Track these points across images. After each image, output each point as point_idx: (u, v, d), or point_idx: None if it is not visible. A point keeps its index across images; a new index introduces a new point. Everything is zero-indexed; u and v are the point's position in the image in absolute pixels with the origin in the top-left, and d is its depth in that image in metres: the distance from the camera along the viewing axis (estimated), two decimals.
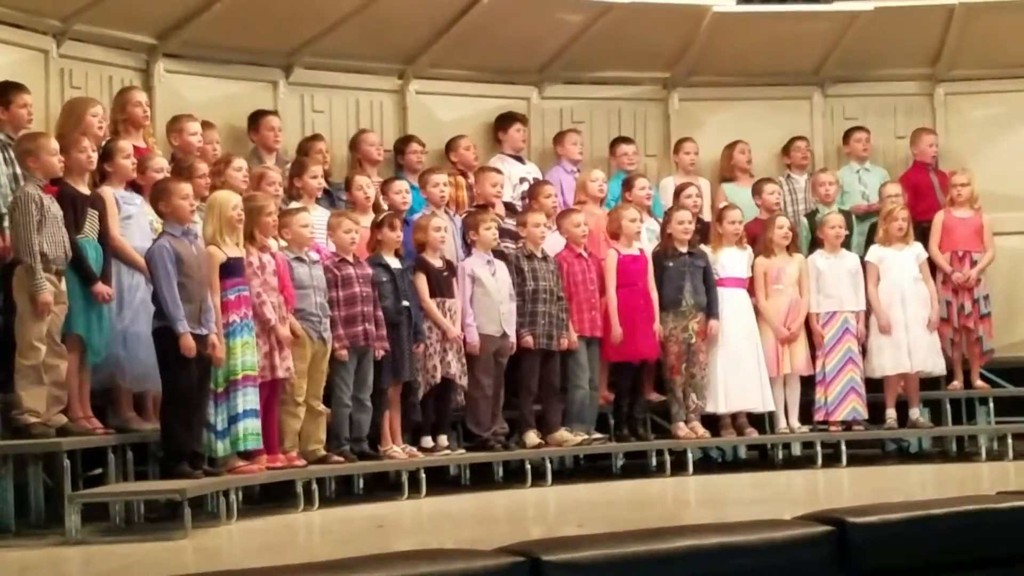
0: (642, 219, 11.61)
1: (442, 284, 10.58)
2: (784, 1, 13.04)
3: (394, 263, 10.32)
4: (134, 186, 9.50)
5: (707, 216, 12.28)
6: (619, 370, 11.51)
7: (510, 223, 11.39)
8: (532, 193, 11.71)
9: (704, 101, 13.24)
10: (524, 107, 12.75)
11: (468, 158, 12.03)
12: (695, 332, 11.50)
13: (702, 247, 11.74)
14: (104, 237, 9.01)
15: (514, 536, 6.50)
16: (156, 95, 10.87)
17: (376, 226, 10.37)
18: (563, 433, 11.01)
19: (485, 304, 10.75)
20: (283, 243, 9.68)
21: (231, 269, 9.01)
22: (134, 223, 9.31)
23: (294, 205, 10.25)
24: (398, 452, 10.19)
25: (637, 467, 11.46)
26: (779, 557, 6.23)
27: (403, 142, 11.97)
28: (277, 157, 11.05)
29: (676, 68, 13.08)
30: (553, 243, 11.30)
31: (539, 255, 11.08)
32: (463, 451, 10.74)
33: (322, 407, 9.75)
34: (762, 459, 12.29)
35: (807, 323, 11.86)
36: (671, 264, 11.54)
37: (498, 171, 11.78)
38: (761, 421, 11.89)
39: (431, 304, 10.48)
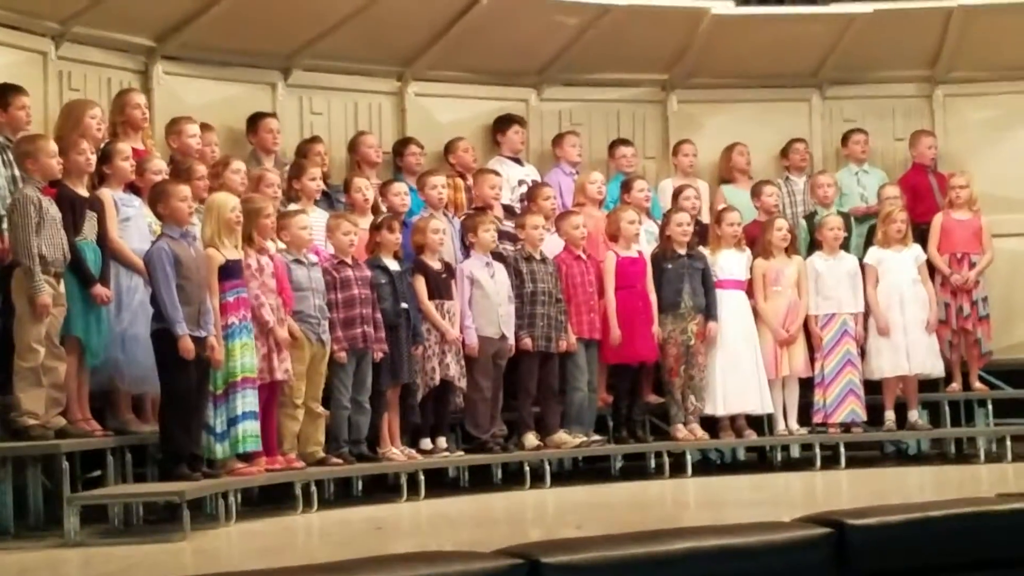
0: (641, 221, 11.61)
1: (441, 286, 10.58)
2: (783, 3, 13.06)
3: (393, 265, 10.32)
4: (133, 188, 9.50)
5: (706, 218, 12.28)
6: (618, 372, 11.51)
7: (509, 225, 11.39)
8: (531, 195, 11.71)
9: (703, 103, 13.24)
10: (523, 109, 12.76)
11: (467, 160, 12.03)
12: (694, 334, 11.50)
13: (701, 249, 11.75)
14: (103, 239, 9.01)
15: (513, 538, 6.50)
16: (155, 97, 10.86)
17: (375, 228, 10.37)
18: (562, 435, 11.00)
19: (484, 306, 10.75)
20: (281, 245, 9.68)
21: (230, 271, 9.01)
22: (133, 225, 9.31)
23: (293, 207, 10.25)
24: (397, 454, 10.19)
25: (636, 469, 11.46)
26: (778, 559, 6.24)
27: (402, 144, 11.97)
28: (276, 159, 11.05)
29: (675, 70, 13.08)
30: (552, 245, 11.31)
31: (538, 257, 11.08)
32: (462, 453, 10.74)
33: (321, 409, 9.74)
34: (761, 461, 12.29)
35: (806, 325, 11.85)
36: (670, 266, 11.54)
37: (497, 173, 11.77)
38: (760, 423, 11.89)
39: (430, 306, 10.48)
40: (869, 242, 12.24)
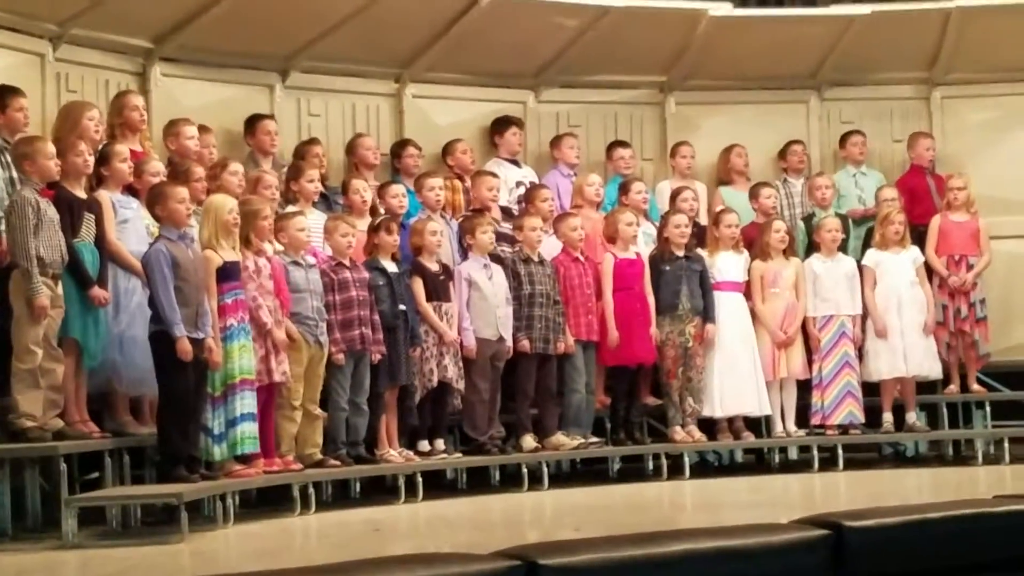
0: (639, 223, 11.62)
1: (438, 288, 10.57)
2: (781, 5, 13.06)
3: (391, 267, 10.32)
4: (130, 190, 9.50)
5: (704, 220, 12.28)
6: (616, 374, 11.51)
7: (506, 227, 11.39)
8: (528, 197, 11.71)
9: (700, 105, 13.24)
10: (520, 111, 12.76)
11: (464, 162, 12.03)
12: (692, 336, 11.50)
13: (699, 251, 11.75)
14: (100, 241, 9.01)
15: (511, 540, 6.50)
16: (152, 99, 10.85)
17: (372, 230, 10.37)
18: (560, 437, 11.00)
19: (482, 308, 10.75)
20: (279, 247, 9.67)
21: (227, 273, 9.01)
22: (130, 227, 9.30)
23: (290, 209, 10.25)
24: (395, 456, 10.18)
25: (633, 471, 11.46)
26: (775, 561, 6.24)
27: (399, 146, 11.97)
28: (273, 161, 11.05)
29: (672, 72, 13.08)
30: (550, 247, 11.31)
31: (536, 259, 11.08)
32: (460, 455, 10.73)
33: (318, 411, 9.74)
34: (758, 463, 12.30)
35: (804, 327, 11.85)
36: (668, 268, 11.54)
37: (494, 175, 11.78)
38: (757, 425, 11.89)
39: (427, 308, 10.48)
40: (867, 244, 12.23)
